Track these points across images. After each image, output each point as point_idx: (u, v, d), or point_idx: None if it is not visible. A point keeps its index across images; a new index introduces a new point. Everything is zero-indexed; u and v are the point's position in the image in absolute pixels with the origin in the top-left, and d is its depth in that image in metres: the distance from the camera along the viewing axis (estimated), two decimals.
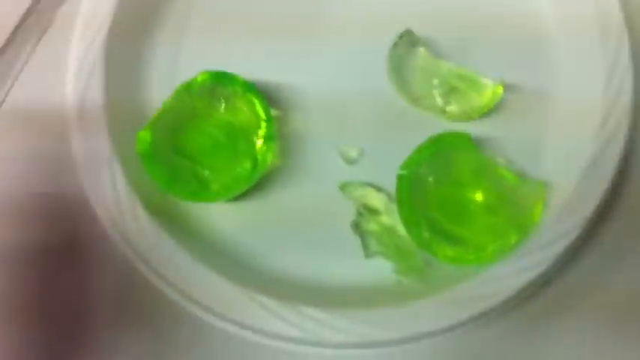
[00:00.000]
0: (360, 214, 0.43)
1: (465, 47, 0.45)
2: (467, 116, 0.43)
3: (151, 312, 0.42)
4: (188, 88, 0.43)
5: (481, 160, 0.41)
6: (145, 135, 0.43)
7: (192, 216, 0.44)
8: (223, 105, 0.43)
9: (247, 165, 0.42)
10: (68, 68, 0.43)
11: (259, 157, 0.42)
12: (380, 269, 0.42)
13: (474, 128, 0.43)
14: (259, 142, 0.42)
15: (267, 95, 0.44)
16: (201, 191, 0.42)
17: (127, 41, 0.44)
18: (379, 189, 0.43)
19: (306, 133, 0.45)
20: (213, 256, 0.43)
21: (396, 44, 0.44)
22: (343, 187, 0.43)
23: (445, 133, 0.41)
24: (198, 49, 0.46)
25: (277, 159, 0.45)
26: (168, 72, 0.46)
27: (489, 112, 0.44)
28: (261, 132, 0.42)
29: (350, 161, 0.44)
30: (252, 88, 0.43)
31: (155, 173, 0.42)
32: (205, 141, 0.43)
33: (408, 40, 0.44)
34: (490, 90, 0.43)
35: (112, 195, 0.42)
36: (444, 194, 0.41)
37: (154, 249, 0.41)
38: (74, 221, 0.42)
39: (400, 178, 0.41)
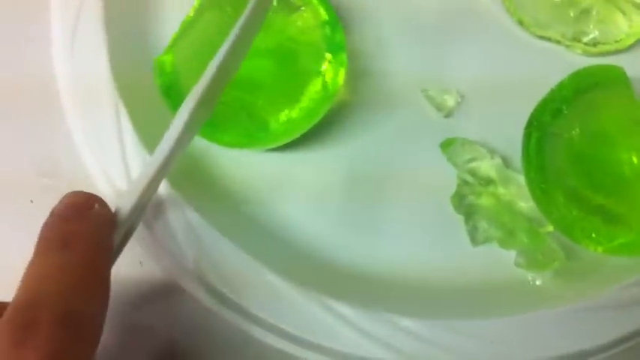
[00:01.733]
0: (465, 183, 0.30)
1: None
2: (609, 47, 0.31)
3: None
4: None
5: (638, 106, 0.29)
6: (165, 60, 0.30)
7: (222, 173, 0.32)
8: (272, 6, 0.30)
9: (316, 87, 0.29)
10: None
11: (328, 77, 0.29)
12: (495, 262, 0.30)
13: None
14: (327, 57, 0.30)
15: None
16: (257, 131, 0.30)
17: None
18: (491, 150, 0.31)
19: (380, 65, 0.32)
20: (257, 242, 0.30)
21: None
22: (445, 145, 0.30)
23: (592, 67, 0.29)
24: None
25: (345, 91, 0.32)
26: None
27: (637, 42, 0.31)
28: (328, 42, 0.30)
29: (446, 111, 0.31)
30: None
31: None
32: (253, 60, 0.30)
33: None
34: None
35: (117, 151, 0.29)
36: (590, 154, 0.29)
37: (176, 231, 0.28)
38: None
39: (529, 131, 0.29)
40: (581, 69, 0.29)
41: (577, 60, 0.31)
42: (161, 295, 0.29)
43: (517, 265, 0.29)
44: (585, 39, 0.31)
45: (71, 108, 0.31)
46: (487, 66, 0.32)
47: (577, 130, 0.29)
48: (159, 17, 0.33)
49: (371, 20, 0.33)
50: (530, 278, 0.29)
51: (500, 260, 0.30)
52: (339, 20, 0.30)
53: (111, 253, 0.24)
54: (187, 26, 0.31)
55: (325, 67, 0.30)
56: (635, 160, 0.29)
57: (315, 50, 0.30)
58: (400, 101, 0.32)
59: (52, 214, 0.25)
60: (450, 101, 0.31)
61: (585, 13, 0.31)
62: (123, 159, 0.30)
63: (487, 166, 0.30)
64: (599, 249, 0.28)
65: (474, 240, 0.30)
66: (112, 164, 0.30)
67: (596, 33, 0.31)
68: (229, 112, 0.30)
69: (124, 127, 0.30)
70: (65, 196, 0.25)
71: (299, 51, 0.30)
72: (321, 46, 0.30)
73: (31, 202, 0.31)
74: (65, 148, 0.31)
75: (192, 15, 0.31)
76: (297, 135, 0.30)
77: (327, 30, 0.30)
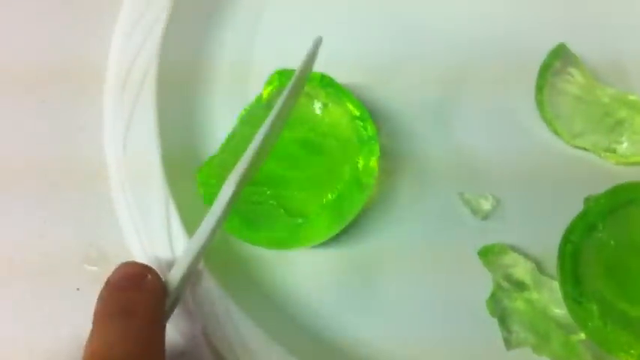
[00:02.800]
0: (500, 287, 0.31)
1: (625, 69, 0.35)
2: None
3: None
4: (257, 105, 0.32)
5: None
6: (208, 172, 0.31)
7: (264, 273, 0.33)
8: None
9: (350, 179, 0.30)
10: None
11: (361, 168, 0.31)
12: None
13: None
14: (360, 149, 0.31)
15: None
16: (297, 231, 0.30)
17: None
18: (525, 254, 0.32)
19: (414, 169, 0.34)
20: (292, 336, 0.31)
21: (547, 63, 0.33)
22: (483, 253, 0.31)
23: (627, 184, 0.30)
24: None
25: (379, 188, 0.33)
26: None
27: None
28: (359, 135, 0.31)
29: (481, 214, 0.32)
30: (334, 83, 0.32)
31: (230, 220, 0.30)
32: (288, 158, 0.31)
33: (561, 58, 0.33)
34: None
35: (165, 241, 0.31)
36: (625, 268, 0.30)
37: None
38: None
39: (565, 245, 0.30)
40: (617, 186, 0.30)
41: (610, 168, 0.33)
42: None
43: None
44: (619, 149, 0.32)
45: (120, 196, 0.32)
46: (523, 171, 0.33)
47: (611, 244, 0.30)
48: (210, 119, 0.35)
49: (402, 117, 0.34)
50: None
51: None
52: (368, 113, 0.31)
53: (164, 319, 0.26)
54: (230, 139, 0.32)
55: (358, 159, 0.31)
56: None
57: (347, 143, 0.31)
58: (435, 200, 0.33)
59: (108, 283, 0.26)
60: (486, 205, 0.32)
61: (620, 124, 0.33)
62: (170, 248, 0.31)
63: (521, 272, 0.31)
64: None
65: (509, 343, 0.31)
66: (160, 252, 0.31)
67: (630, 144, 0.32)
68: (266, 211, 0.31)
69: (171, 215, 0.31)
70: (119, 266, 0.27)
71: (331, 145, 0.31)
72: (353, 139, 0.31)
73: (78, 289, 0.32)
74: (112, 237, 0.32)
75: (236, 132, 0.32)
76: (335, 232, 0.31)
77: (359, 124, 0.31)
